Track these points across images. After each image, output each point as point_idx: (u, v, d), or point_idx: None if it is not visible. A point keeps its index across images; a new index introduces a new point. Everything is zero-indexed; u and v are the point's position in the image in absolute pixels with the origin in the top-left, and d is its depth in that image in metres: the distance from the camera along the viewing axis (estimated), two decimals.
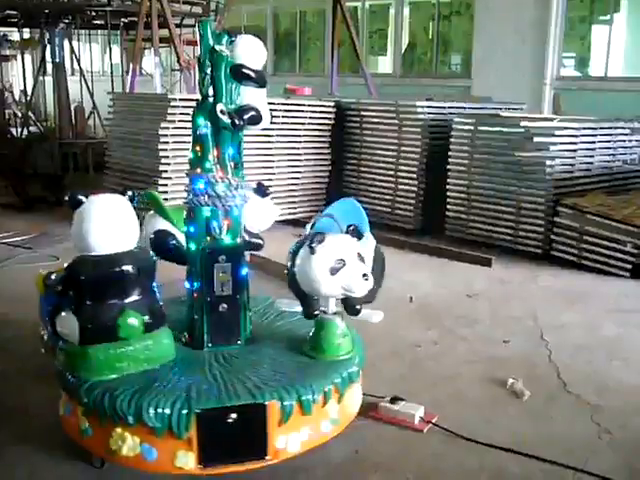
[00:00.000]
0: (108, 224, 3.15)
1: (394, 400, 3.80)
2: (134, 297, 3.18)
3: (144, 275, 3.24)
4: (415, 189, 8.36)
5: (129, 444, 3.01)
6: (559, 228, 7.11)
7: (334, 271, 3.14)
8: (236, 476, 3.10)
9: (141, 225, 3.62)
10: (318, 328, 3.42)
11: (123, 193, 3.35)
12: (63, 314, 3.16)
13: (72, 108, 13.03)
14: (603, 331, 5.25)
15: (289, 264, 3.36)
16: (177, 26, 12.05)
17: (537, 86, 11.75)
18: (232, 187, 3.43)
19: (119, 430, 3.01)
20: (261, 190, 3.79)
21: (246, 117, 3.40)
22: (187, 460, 2.99)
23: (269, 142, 8.31)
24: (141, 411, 2.93)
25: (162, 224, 3.72)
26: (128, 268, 3.14)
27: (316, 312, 3.37)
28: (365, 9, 15.40)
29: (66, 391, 3.26)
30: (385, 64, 15.71)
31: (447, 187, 8.05)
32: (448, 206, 8.07)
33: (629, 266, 6.59)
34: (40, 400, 3.83)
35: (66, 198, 3.22)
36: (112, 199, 3.26)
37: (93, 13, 12.39)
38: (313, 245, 3.18)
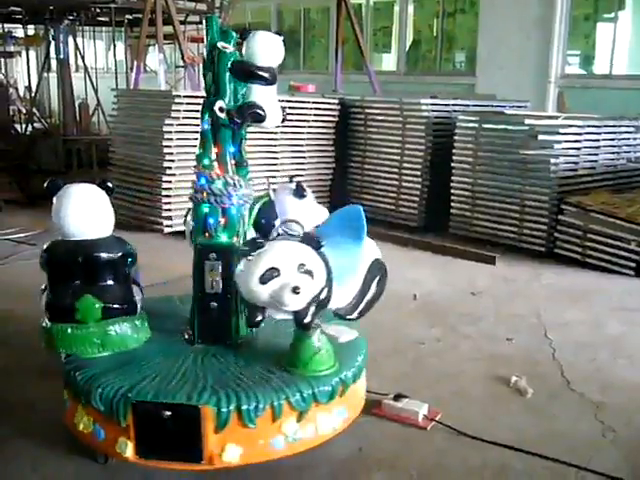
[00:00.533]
0: (77, 211, 3.26)
1: (397, 397, 3.79)
2: (97, 283, 3.28)
3: (113, 263, 3.31)
4: (419, 186, 8.36)
5: (84, 421, 3.16)
6: (563, 226, 7.10)
7: (264, 280, 2.90)
8: (238, 473, 3.11)
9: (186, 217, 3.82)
10: (293, 340, 3.25)
11: (101, 184, 3.39)
12: (45, 294, 3.34)
13: (76, 105, 13.05)
14: (607, 329, 5.25)
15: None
16: (181, 23, 12.06)
17: (541, 84, 11.73)
18: (229, 185, 3.41)
19: (80, 406, 3.16)
20: (298, 192, 3.74)
21: (245, 115, 3.37)
22: (126, 448, 3.03)
23: (273, 139, 8.32)
24: (90, 392, 3.05)
25: None
26: (91, 255, 3.26)
27: (258, 320, 3.15)
28: (369, 6, 15.37)
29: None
30: (389, 61, 15.69)
31: (451, 185, 8.04)
32: (452, 204, 8.06)
33: (633, 264, 6.58)
34: (43, 396, 3.83)
35: (45, 184, 3.32)
36: (85, 188, 3.34)
37: (97, 10, 12.41)
38: (247, 250, 3.04)
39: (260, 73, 3.35)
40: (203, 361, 3.30)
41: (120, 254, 3.34)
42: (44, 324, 3.33)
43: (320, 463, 3.30)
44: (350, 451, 3.42)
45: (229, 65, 3.35)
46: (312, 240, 3.05)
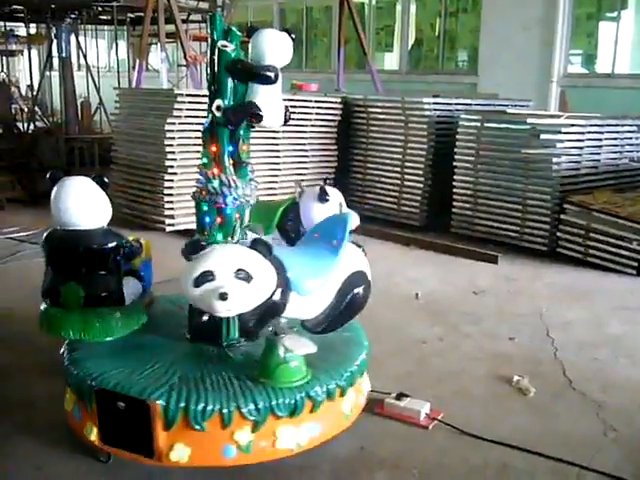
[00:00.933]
0: (70, 202, 3.36)
1: (400, 396, 3.80)
2: (83, 271, 3.38)
3: (100, 254, 3.41)
4: (421, 186, 8.37)
5: (68, 400, 3.37)
6: (565, 225, 7.11)
7: (198, 283, 2.78)
8: (239, 472, 3.12)
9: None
10: (263, 349, 3.19)
11: (95, 178, 3.48)
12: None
13: (78, 103, 13.05)
14: (609, 328, 5.25)
15: None
16: (184, 22, 12.05)
17: (544, 83, 11.72)
18: (224, 185, 3.39)
19: (68, 386, 3.37)
20: (322, 196, 3.67)
21: (239, 115, 3.33)
22: (92, 432, 3.16)
23: (276, 138, 8.32)
24: (69, 374, 3.26)
25: None
26: (78, 244, 3.37)
27: (202, 320, 3.12)
28: (372, 5, 15.38)
29: None
30: (392, 60, 15.69)
31: (453, 184, 8.05)
32: (454, 203, 8.07)
33: (635, 263, 6.59)
34: (45, 395, 3.84)
35: (47, 176, 3.46)
36: (79, 181, 3.44)
37: (99, 8, 12.41)
38: (186, 252, 2.98)
39: (258, 72, 3.30)
40: (183, 359, 3.33)
41: (109, 246, 3.42)
42: (41, 307, 3.50)
43: (322, 462, 3.30)
44: (352, 450, 3.43)
45: (228, 64, 3.32)
46: (261, 246, 2.94)
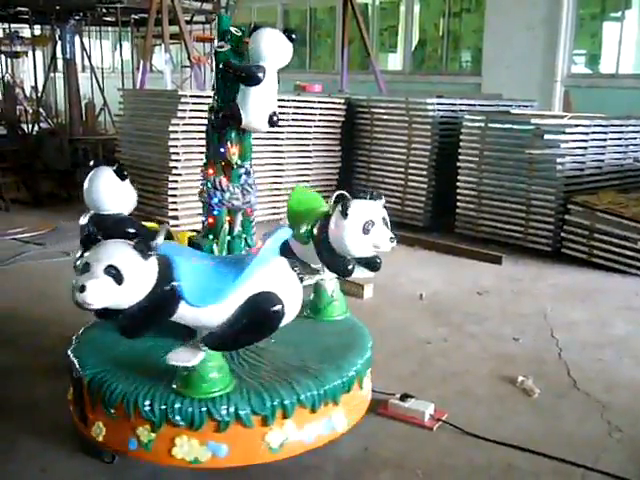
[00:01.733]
0: (94, 190, 3.74)
1: (404, 397, 3.79)
2: None
3: (109, 237, 3.50)
4: (425, 186, 8.38)
5: None
6: (569, 226, 7.10)
7: (80, 273, 2.71)
8: (242, 471, 3.12)
9: None
10: None
11: (116, 169, 3.80)
12: None
13: (83, 104, 13.05)
14: (613, 329, 5.24)
15: None
16: (187, 23, 12.06)
17: (548, 83, 11.70)
18: (211, 187, 3.40)
19: None
20: (342, 211, 3.49)
21: (221, 117, 3.32)
22: (70, 394, 3.44)
23: (279, 139, 8.33)
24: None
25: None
26: (94, 227, 3.69)
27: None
28: (375, 6, 15.38)
29: None
30: (395, 61, 15.67)
31: (457, 184, 8.05)
32: (458, 203, 8.07)
33: (639, 264, 6.57)
34: (48, 396, 3.85)
35: (91, 163, 3.88)
36: (102, 171, 3.78)
37: (104, 10, 12.41)
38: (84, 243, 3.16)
39: (240, 73, 3.23)
40: (150, 349, 3.35)
41: (118, 232, 3.49)
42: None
43: (326, 462, 3.30)
44: (356, 451, 3.43)
45: (220, 65, 3.30)
46: (141, 246, 2.78)
